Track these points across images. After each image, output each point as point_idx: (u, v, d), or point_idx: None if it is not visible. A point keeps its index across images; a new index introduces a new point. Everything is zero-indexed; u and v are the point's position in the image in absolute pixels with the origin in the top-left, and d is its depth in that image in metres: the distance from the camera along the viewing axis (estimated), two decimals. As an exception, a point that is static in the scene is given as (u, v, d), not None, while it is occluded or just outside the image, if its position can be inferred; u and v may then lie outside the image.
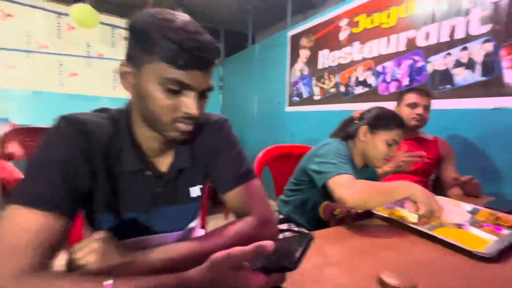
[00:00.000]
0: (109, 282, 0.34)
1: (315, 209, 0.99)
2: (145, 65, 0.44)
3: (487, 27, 1.32)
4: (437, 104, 1.49)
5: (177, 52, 0.41)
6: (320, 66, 2.36)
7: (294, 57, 2.66)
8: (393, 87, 1.78)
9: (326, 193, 0.88)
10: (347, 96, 2.11)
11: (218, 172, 0.58)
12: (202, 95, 0.47)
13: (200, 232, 0.68)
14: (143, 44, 0.43)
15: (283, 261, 0.35)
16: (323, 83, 2.33)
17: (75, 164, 0.44)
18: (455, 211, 0.79)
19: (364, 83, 1.97)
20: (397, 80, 1.75)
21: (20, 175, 1.30)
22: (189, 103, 0.44)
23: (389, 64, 1.79)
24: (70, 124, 0.46)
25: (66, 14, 3.08)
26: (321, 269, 0.49)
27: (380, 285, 0.37)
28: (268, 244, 0.34)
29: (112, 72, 3.50)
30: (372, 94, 1.91)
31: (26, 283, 0.35)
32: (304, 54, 2.53)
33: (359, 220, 0.80)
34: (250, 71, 3.43)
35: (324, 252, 0.57)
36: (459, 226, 0.69)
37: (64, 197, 0.41)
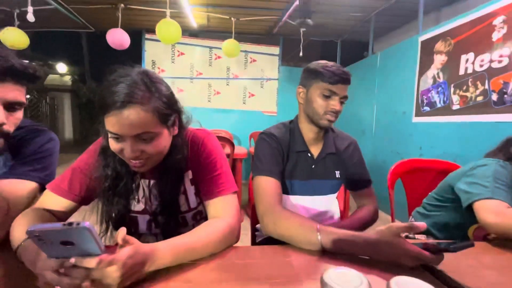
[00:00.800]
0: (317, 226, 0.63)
1: (459, 229, 0.95)
2: (312, 85, 0.87)
3: None
4: None
5: (330, 75, 0.82)
6: (461, 72, 2.10)
7: (425, 64, 2.46)
8: None
9: (472, 216, 0.83)
10: (503, 105, 1.79)
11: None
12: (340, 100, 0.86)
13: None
14: (312, 74, 0.87)
15: (444, 247, 0.48)
16: (466, 90, 2.05)
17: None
18: None
19: (528, 89, 1.63)
20: None
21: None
22: (334, 103, 0.85)
23: None
24: (268, 135, 0.91)
25: (217, 48, 4.01)
26: (475, 268, 0.57)
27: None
28: (420, 224, 0.50)
29: (243, 89, 4.24)
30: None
31: (276, 211, 0.73)
32: (439, 59, 2.31)
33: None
34: (369, 80, 3.37)
35: (477, 256, 0.63)
36: None
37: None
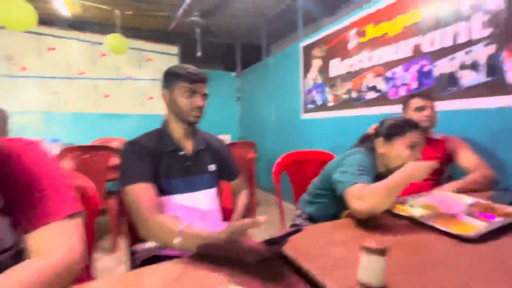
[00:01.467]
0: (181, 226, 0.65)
1: (337, 216, 1.05)
2: (175, 86, 0.89)
3: (488, 31, 1.39)
4: (445, 105, 1.56)
5: (190, 76, 0.88)
6: (332, 74, 2.47)
7: (307, 67, 2.80)
8: (403, 91, 1.86)
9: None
10: (359, 102, 2.20)
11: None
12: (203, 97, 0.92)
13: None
14: (174, 77, 0.90)
15: (278, 239, 0.54)
16: (336, 90, 2.44)
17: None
18: (453, 202, 0.88)
19: (374, 88, 2.06)
20: (406, 84, 1.83)
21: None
22: (197, 99, 0.89)
23: (398, 70, 1.88)
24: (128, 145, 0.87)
25: (100, 43, 3.46)
26: (325, 247, 0.62)
27: (361, 250, 0.48)
28: (261, 218, 0.54)
29: (140, 91, 3.83)
30: (382, 98, 2.00)
31: (145, 218, 0.74)
32: (316, 63, 2.66)
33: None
34: (266, 81, 3.61)
35: (330, 235, 0.70)
36: (453, 216, 0.78)
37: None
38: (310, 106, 2.79)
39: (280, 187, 1.30)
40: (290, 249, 0.59)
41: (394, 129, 0.99)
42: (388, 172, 0.93)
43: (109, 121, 3.63)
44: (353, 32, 2.22)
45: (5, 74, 3.12)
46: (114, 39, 2.85)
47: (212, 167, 0.98)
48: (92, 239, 0.84)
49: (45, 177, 0.54)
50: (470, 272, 0.53)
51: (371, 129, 1.14)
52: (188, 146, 0.95)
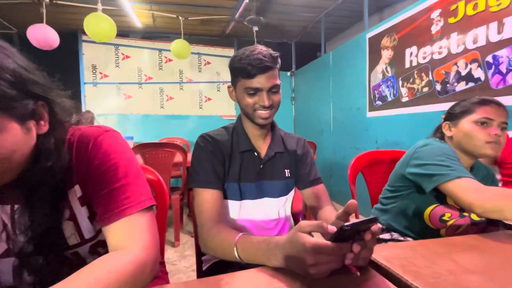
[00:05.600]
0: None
1: (418, 216, 0.91)
2: (236, 82, 0.77)
3: None
4: None
5: (246, 69, 0.72)
6: (407, 65, 2.16)
7: (374, 59, 2.51)
8: (511, 79, 1.48)
9: (433, 198, 0.85)
10: (446, 95, 1.86)
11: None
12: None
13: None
14: (234, 71, 0.77)
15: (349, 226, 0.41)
16: (413, 82, 2.11)
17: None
18: None
19: (468, 77, 1.71)
20: (516, 69, 1.46)
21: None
22: (260, 98, 0.74)
23: (503, 53, 1.51)
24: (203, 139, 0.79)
25: (165, 50, 3.74)
26: (456, 275, 0.46)
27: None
28: (330, 228, 0.43)
29: (198, 93, 4.01)
30: (481, 88, 1.63)
31: (205, 230, 0.69)
32: (386, 54, 2.37)
33: (485, 231, 0.70)
34: (324, 79, 3.40)
35: (454, 259, 0.52)
36: None
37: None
38: (378, 103, 2.49)
39: (355, 191, 1.12)
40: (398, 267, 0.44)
41: (458, 108, 0.90)
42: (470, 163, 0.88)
43: (172, 122, 3.88)
44: (436, 14, 1.89)
45: (91, 81, 3.60)
46: (179, 44, 3.02)
47: (287, 173, 0.84)
48: (164, 233, 0.82)
49: (122, 167, 0.50)
50: None
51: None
52: (263, 148, 0.83)
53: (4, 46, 0.41)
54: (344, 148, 2.99)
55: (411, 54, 2.12)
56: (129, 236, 0.47)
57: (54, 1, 2.67)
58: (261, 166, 0.81)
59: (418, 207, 0.90)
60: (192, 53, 3.79)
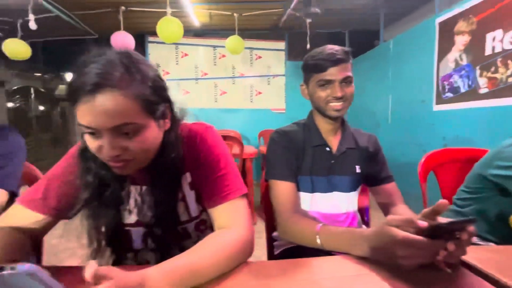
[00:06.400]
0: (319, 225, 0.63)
1: (503, 220, 0.83)
2: (309, 79, 0.83)
3: None
4: None
5: (317, 64, 0.79)
6: (488, 51, 1.91)
7: (445, 47, 2.27)
8: None
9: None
10: (539, 85, 1.60)
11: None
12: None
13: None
14: (306, 69, 0.84)
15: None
16: (495, 71, 1.86)
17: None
18: None
19: None
20: None
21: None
22: (333, 90, 0.78)
23: None
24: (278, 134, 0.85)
25: (220, 46, 3.92)
26: None
27: None
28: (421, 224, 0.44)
29: (250, 87, 4.13)
30: None
31: (285, 218, 0.75)
32: (461, 40, 2.12)
33: None
34: (382, 70, 3.18)
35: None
36: None
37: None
38: (448, 95, 2.26)
39: (426, 191, 1.07)
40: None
41: None
42: None
43: (225, 115, 4.08)
44: (530, -10, 1.62)
45: (155, 78, 3.98)
46: (233, 40, 3.14)
47: (357, 169, 0.86)
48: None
49: (223, 158, 0.59)
50: None
51: None
52: (335, 143, 0.86)
53: (142, 57, 0.51)
54: (404, 144, 2.78)
55: (494, 39, 1.86)
56: (233, 218, 0.55)
57: (128, 8, 3.01)
58: (332, 161, 0.84)
59: (502, 211, 0.83)
60: (245, 48, 3.90)
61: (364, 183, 0.92)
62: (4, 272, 0.24)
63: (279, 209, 0.76)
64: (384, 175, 0.88)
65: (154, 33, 3.81)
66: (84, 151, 0.54)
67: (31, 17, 2.53)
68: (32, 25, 2.53)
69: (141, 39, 3.90)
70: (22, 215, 0.54)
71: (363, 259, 0.52)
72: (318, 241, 0.61)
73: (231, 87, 4.11)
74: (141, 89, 0.47)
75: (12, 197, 0.61)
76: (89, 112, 0.44)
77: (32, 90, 6.09)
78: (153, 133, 0.51)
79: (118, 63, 0.45)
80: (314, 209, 0.84)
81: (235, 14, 3.31)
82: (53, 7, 2.83)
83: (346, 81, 0.78)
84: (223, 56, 4.02)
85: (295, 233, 0.69)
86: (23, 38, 2.98)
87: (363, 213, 1.00)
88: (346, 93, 0.78)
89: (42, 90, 6.69)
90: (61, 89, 6.81)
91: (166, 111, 0.54)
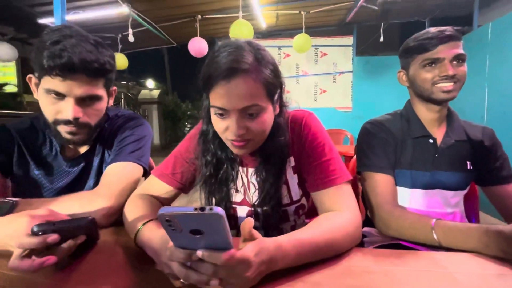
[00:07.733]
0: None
1: None
2: (410, 63, 0.76)
3: None
4: None
5: (424, 43, 0.72)
6: None
7: None
8: None
9: None
10: None
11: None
12: None
13: None
14: (407, 53, 0.77)
15: None
16: None
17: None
18: None
19: None
20: None
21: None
22: (443, 69, 0.70)
23: None
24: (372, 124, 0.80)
25: (285, 46, 3.95)
26: None
27: None
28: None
29: (314, 85, 4.03)
30: None
31: (385, 210, 0.68)
32: None
33: None
34: (475, 59, 2.74)
35: None
36: None
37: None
38: None
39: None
40: None
41: None
42: None
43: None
44: None
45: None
46: (300, 38, 3.14)
47: (469, 165, 0.76)
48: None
49: (328, 144, 0.60)
50: None
51: None
52: (439, 135, 0.77)
53: (261, 44, 0.56)
54: (506, 148, 2.33)
55: None
56: (342, 201, 0.55)
57: (204, 16, 3.30)
58: (436, 155, 0.76)
59: None
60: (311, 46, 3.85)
61: (475, 181, 0.81)
62: (206, 212, 0.30)
63: (378, 201, 0.69)
64: (505, 174, 0.75)
65: (222, 37, 4.10)
66: (205, 134, 0.62)
67: (130, 31, 2.98)
68: (131, 38, 2.99)
69: (212, 45, 4.22)
70: (157, 186, 0.64)
71: (500, 259, 0.46)
72: (435, 236, 0.56)
73: (295, 86, 4.10)
74: (266, 73, 0.51)
75: (144, 172, 0.74)
76: (224, 94, 0.49)
77: (122, 95, 7.21)
78: (270, 116, 0.55)
79: (247, 50, 0.50)
80: (413, 206, 0.78)
81: (302, 12, 3.29)
82: (144, 21, 3.29)
83: (458, 59, 0.69)
84: (288, 55, 4.04)
85: (403, 228, 0.63)
86: (120, 51, 3.55)
87: (470, 215, 0.88)
88: (458, 72, 0.69)
89: (129, 95, 7.87)
90: (143, 93, 7.90)
91: (279, 96, 0.58)
